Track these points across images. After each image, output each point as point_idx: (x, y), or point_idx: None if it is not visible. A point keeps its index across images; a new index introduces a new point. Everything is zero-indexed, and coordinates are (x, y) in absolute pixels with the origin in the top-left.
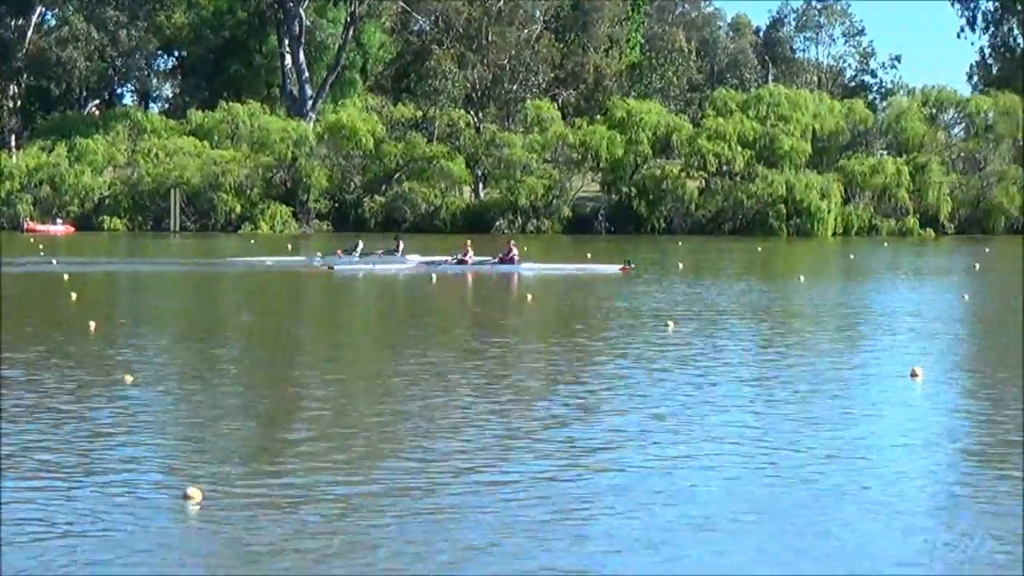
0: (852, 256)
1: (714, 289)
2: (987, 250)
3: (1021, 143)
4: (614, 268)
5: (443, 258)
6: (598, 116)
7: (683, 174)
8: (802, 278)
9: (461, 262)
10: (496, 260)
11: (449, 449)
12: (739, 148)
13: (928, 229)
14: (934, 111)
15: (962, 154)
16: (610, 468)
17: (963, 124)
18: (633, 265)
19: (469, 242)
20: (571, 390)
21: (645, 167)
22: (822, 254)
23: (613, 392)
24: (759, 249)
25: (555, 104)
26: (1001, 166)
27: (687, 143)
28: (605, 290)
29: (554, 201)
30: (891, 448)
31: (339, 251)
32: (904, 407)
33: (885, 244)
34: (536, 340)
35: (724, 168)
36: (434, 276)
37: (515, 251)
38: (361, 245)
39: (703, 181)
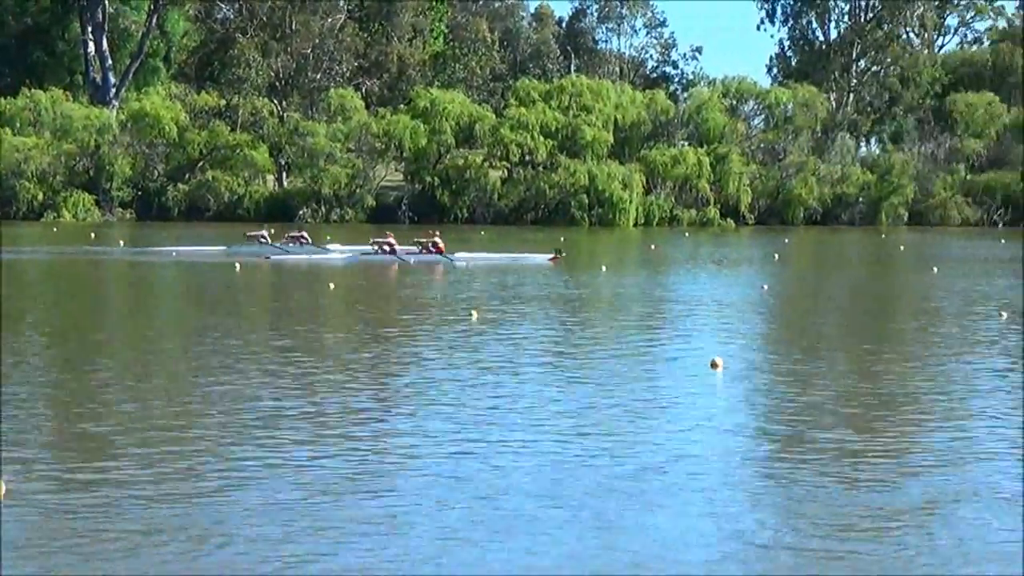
0: (653, 246)
1: (515, 278)
2: (786, 240)
3: (819, 135)
4: (544, 258)
5: (368, 248)
6: (402, 106)
7: (486, 164)
8: (604, 267)
9: (393, 251)
10: (422, 251)
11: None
12: (542, 138)
13: (728, 220)
14: (734, 102)
15: (762, 145)
16: (406, 463)
17: (763, 115)
18: (563, 254)
19: (389, 233)
20: (368, 381)
21: (448, 157)
22: (624, 244)
23: (413, 387)
24: (562, 239)
25: (359, 93)
26: (799, 157)
27: (490, 133)
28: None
29: (357, 190)
30: (692, 441)
31: (256, 237)
32: (705, 398)
33: (686, 234)
34: (341, 328)
35: (527, 158)
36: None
37: (439, 241)
38: (265, 233)
39: (506, 171)
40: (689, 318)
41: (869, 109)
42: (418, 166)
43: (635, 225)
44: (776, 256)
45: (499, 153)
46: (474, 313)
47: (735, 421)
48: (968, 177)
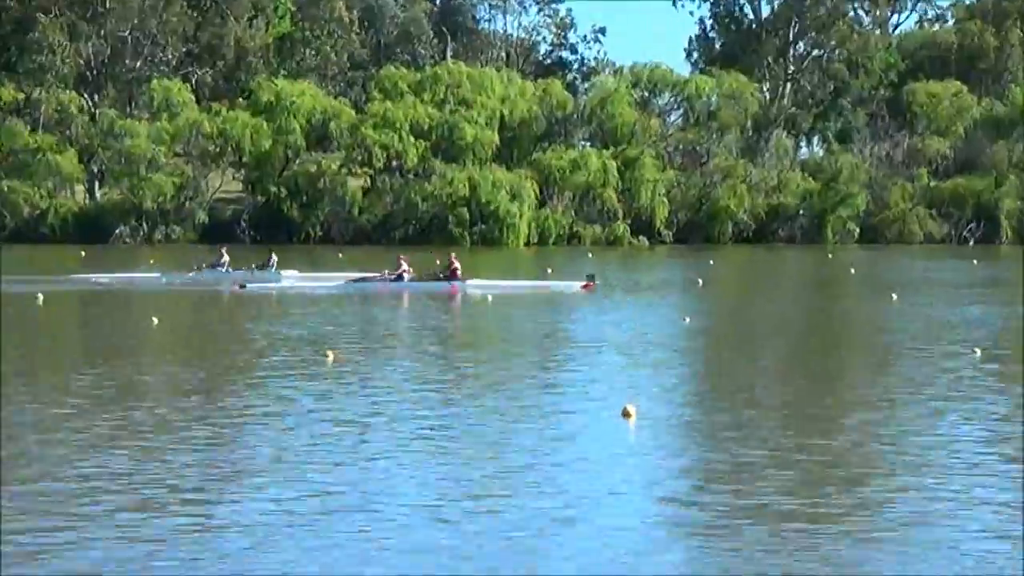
0: (550, 270)
1: (383, 310)
2: (711, 262)
3: (750, 133)
4: (575, 285)
5: (374, 274)
6: (240, 100)
7: (344, 170)
8: (490, 297)
9: (398, 278)
10: (437, 276)
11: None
12: (411, 139)
13: (641, 237)
14: (646, 94)
15: (680, 146)
16: (269, 507)
17: (681, 110)
18: (597, 282)
19: (404, 257)
20: (212, 426)
21: (297, 162)
22: (513, 267)
23: (259, 436)
24: (437, 262)
25: (188, 85)
26: (726, 160)
27: (348, 133)
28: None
29: (187, 203)
30: (601, 514)
31: (203, 265)
32: (612, 458)
33: (589, 255)
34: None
35: (394, 163)
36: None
37: (457, 265)
38: (226, 258)
39: (368, 179)
40: (596, 357)
41: (810, 101)
42: (261, 173)
43: (527, 244)
44: (700, 281)
45: (360, 157)
46: (330, 354)
47: (649, 487)
48: (931, 184)
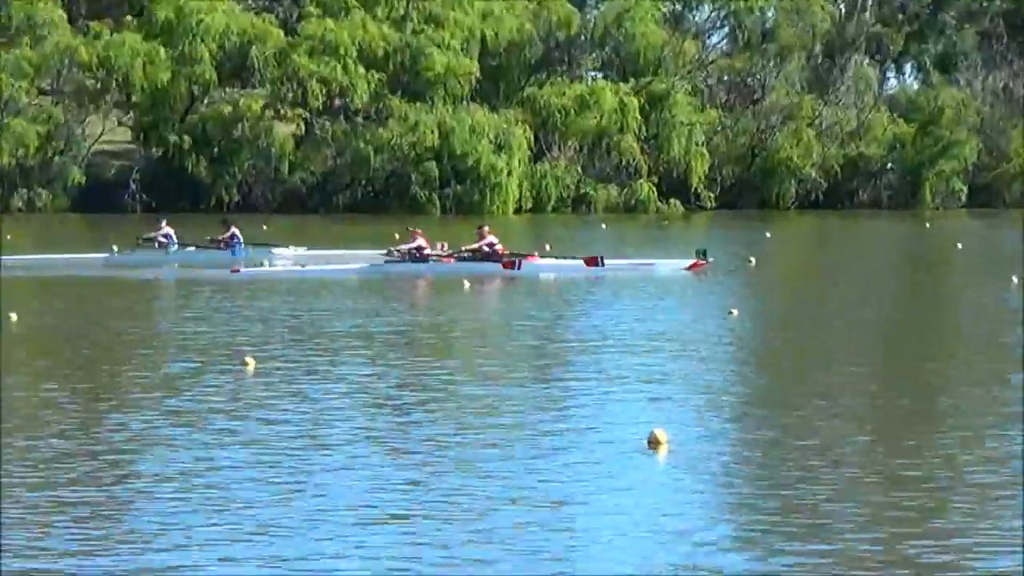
0: (548, 246)
1: (327, 300)
2: (767, 234)
3: (820, 60)
4: (681, 265)
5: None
6: (129, 18)
7: (269, 113)
8: (467, 283)
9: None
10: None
11: None
12: (360, 69)
13: (673, 201)
14: (679, 7)
15: (726, 78)
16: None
17: (727, 29)
18: (711, 259)
19: (418, 231)
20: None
21: (206, 102)
22: (504, 242)
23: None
24: (396, 236)
25: (59, 1)
26: (788, 97)
27: (275, 62)
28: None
29: (56, 159)
30: None
31: (138, 238)
32: (636, 500)
33: (603, 225)
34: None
35: (336, 103)
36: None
37: (494, 239)
38: (168, 230)
39: (302, 124)
40: (614, 368)
41: (901, 17)
42: (156, 118)
43: (517, 211)
44: (752, 261)
45: (291, 95)
46: (250, 362)
47: (681, 545)
48: None
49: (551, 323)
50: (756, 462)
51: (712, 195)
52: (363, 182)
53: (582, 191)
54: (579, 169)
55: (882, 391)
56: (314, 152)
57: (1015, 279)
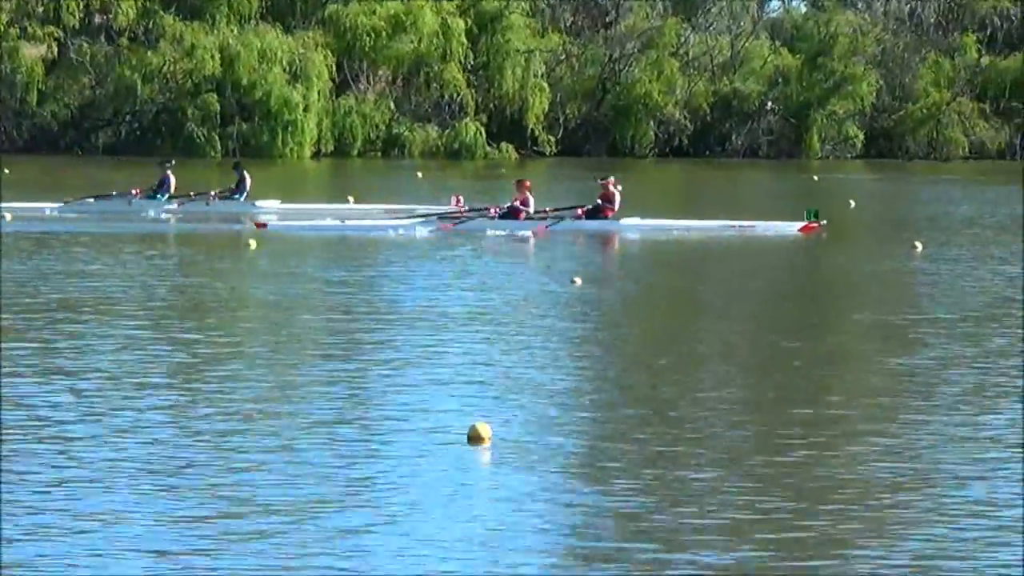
0: (351, 199)
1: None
2: (617, 188)
3: None
4: (791, 227)
5: (482, 207)
6: None
7: (14, 31)
8: (252, 243)
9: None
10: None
11: None
12: None
13: (505, 146)
14: None
15: None
16: None
17: None
18: (822, 221)
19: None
20: None
21: None
22: (294, 192)
23: None
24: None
25: None
26: (650, 20)
27: None
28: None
29: None
30: None
31: (136, 190)
32: (450, 513)
33: (419, 174)
34: None
35: (97, 19)
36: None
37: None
38: (171, 179)
39: (54, 45)
40: (431, 345)
41: None
42: None
43: (316, 156)
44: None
45: (40, 9)
46: None
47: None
48: (984, 61)
49: (356, 292)
50: (590, 456)
51: (553, 139)
52: (128, 117)
53: (395, 132)
54: (391, 105)
55: (738, 367)
56: (69, 80)
57: (918, 244)
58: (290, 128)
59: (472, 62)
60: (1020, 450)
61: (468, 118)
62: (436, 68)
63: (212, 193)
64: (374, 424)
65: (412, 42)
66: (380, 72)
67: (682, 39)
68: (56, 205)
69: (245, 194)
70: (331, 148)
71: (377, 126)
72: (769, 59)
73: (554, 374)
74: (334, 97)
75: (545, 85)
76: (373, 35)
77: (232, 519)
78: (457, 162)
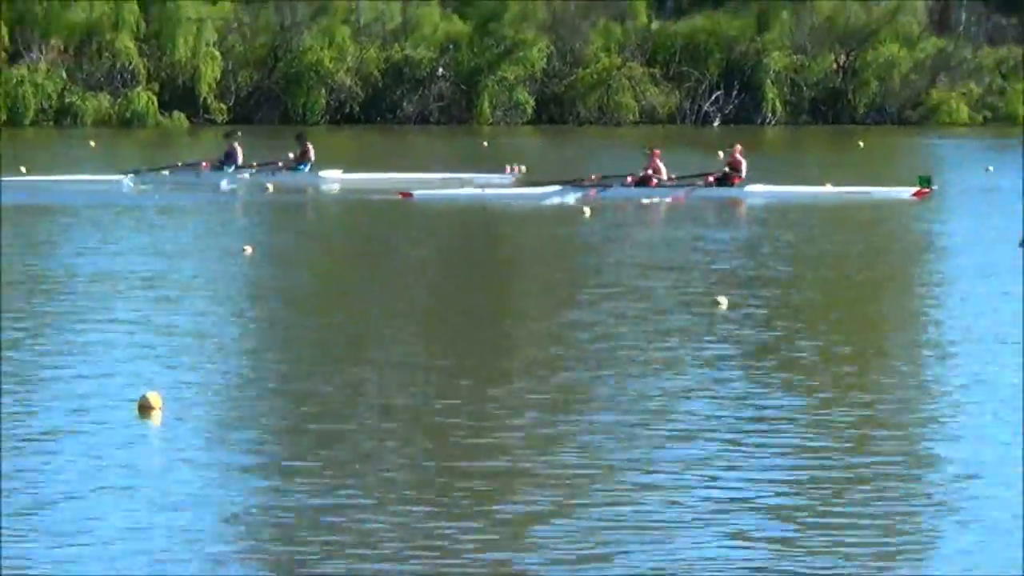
0: (24, 169)
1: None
2: (290, 154)
3: None
4: (904, 192)
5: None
6: None
7: None
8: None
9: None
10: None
11: None
12: None
13: (177, 114)
14: None
15: None
16: None
17: None
18: (934, 186)
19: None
20: None
21: None
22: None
23: None
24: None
25: None
26: None
27: None
28: None
29: None
30: None
31: (204, 162)
32: (118, 487)
33: (91, 143)
34: None
35: None
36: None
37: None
38: (238, 150)
39: None
40: (94, 310)
41: None
42: None
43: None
44: (269, 188)
45: None
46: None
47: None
48: (654, 25)
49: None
50: (262, 432)
51: (225, 107)
52: None
53: (67, 101)
54: (63, 74)
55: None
56: None
57: (587, 211)
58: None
59: (144, 31)
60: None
61: (140, 87)
62: (108, 37)
63: (280, 163)
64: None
65: (84, 11)
66: (52, 41)
67: (353, 6)
68: (127, 177)
69: (310, 164)
70: (4, 118)
71: (49, 96)
72: (440, 25)
73: (223, 344)
74: (6, 67)
75: (217, 53)
76: (45, 3)
77: None
78: (129, 130)
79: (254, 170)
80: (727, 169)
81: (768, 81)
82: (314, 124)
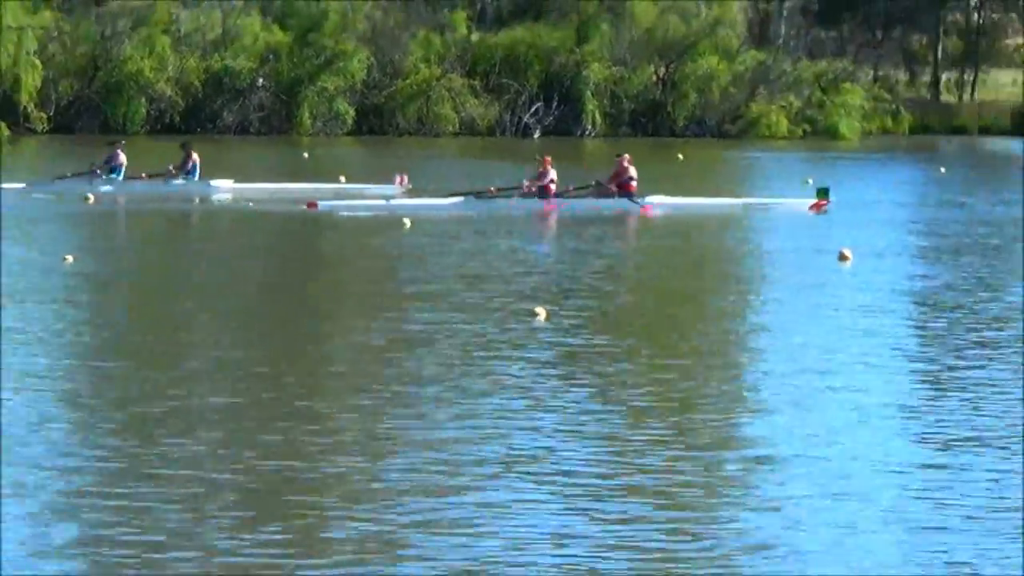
0: None
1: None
2: (123, 156)
3: None
4: (801, 204)
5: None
6: None
7: None
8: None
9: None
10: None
11: None
12: None
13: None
14: None
15: None
16: None
17: None
18: (832, 199)
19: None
20: None
21: None
22: None
23: None
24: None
25: None
26: None
27: None
28: None
29: None
30: None
31: (96, 167)
32: None
33: None
34: None
35: None
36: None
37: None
38: (121, 157)
39: None
40: None
41: None
42: None
43: None
44: (90, 197)
45: None
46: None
47: None
48: (475, 37)
49: None
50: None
51: (45, 116)
52: None
53: None
54: None
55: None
56: None
57: (406, 223)
58: None
59: None
60: None
61: None
62: None
63: (171, 169)
64: None
65: None
66: None
67: (174, 16)
68: (20, 186)
69: (197, 173)
70: None
71: None
72: (261, 36)
73: None
74: None
75: (37, 62)
76: None
77: None
78: None
79: (144, 180)
80: (627, 178)
81: (588, 93)
82: (134, 134)
